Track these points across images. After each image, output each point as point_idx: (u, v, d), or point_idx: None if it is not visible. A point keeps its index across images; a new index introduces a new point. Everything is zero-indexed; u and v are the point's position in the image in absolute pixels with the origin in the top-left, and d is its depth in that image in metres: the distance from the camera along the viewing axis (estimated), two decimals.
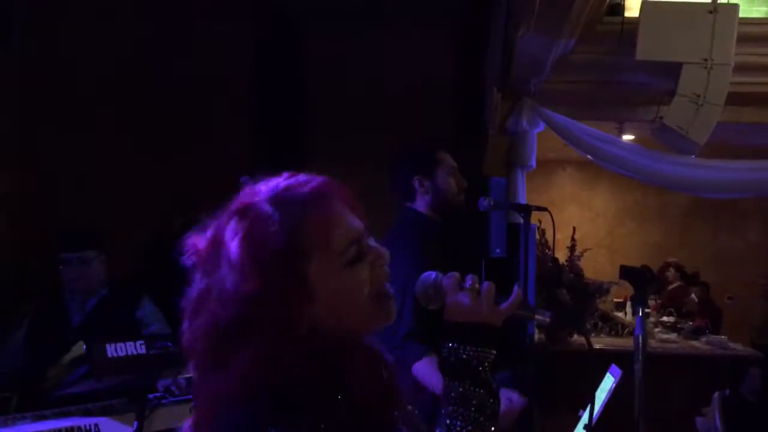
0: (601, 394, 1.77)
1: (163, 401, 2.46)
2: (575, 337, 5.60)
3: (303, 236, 0.94)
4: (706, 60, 4.44)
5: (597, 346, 5.38)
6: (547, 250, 5.20)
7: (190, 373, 1.02)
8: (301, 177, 1.01)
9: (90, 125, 5.04)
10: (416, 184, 2.58)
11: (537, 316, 1.11)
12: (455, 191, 2.64)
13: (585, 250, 5.87)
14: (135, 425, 2.30)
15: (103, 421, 2.33)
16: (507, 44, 4.68)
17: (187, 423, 0.98)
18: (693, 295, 7.43)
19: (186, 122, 5.12)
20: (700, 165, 4.71)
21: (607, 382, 1.80)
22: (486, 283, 1.08)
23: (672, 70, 4.55)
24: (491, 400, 1.01)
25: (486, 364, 1.03)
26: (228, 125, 5.12)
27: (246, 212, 0.96)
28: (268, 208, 0.96)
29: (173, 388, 2.55)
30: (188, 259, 0.99)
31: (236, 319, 0.91)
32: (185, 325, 0.97)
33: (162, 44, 5.16)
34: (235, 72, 5.18)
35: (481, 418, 0.99)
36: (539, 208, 2.48)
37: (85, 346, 2.20)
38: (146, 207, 4.90)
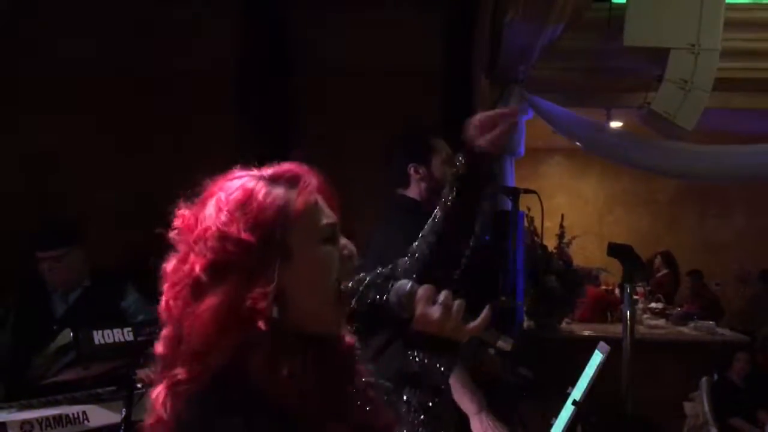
0: (590, 370, 1.77)
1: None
2: (564, 324, 5.62)
3: (286, 204, 1.00)
4: (693, 45, 4.44)
5: (585, 333, 5.40)
6: (535, 237, 5.20)
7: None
8: (297, 165, 1.07)
9: (73, 113, 4.99)
10: (411, 171, 2.56)
11: (499, 342, 1.11)
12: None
13: (573, 238, 5.88)
14: (123, 413, 2.28)
15: (91, 409, 2.31)
16: (495, 30, 4.66)
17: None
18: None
19: (168, 112, 5.06)
20: (688, 151, 4.72)
21: (596, 359, 1.81)
22: (457, 302, 1.11)
23: (660, 56, 4.55)
24: (449, 412, 1.05)
25: (446, 376, 1.07)
26: (211, 114, 5.07)
27: (231, 182, 1.02)
28: (263, 180, 1.02)
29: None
30: (174, 232, 1.02)
31: (214, 263, 0.95)
32: (165, 289, 0.99)
33: (142, 29, 5.11)
34: (217, 59, 5.12)
35: (435, 423, 1.04)
36: (528, 191, 2.48)
37: (72, 334, 2.18)
38: (129, 195, 4.86)
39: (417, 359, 1.06)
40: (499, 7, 4.47)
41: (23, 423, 2.14)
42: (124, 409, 2.28)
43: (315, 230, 1.02)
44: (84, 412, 2.30)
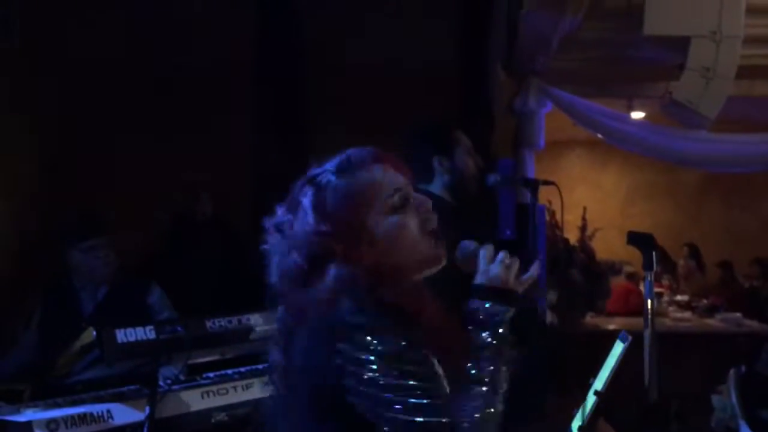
0: (611, 360, 1.75)
1: (174, 387, 2.46)
2: (588, 318, 5.57)
3: (358, 192, 1.21)
4: (714, 33, 4.37)
5: (610, 327, 5.35)
6: (557, 231, 5.16)
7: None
8: (355, 149, 1.27)
9: (94, 111, 5.04)
10: (436, 163, 2.54)
11: (549, 294, 1.28)
12: (473, 171, 2.60)
13: (596, 230, 5.82)
14: (147, 411, 2.30)
15: (116, 407, 2.33)
16: (511, 22, 4.63)
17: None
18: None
19: (189, 107, 5.10)
20: (712, 140, 4.66)
21: (617, 348, 1.79)
22: (514, 259, 1.31)
23: (680, 45, 4.48)
24: (508, 349, 1.24)
25: (505, 320, 1.26)
26: (230, 111, 5.10)
27: (313, 180, 1.24)
28: (330, 175, 1.23)
29: (180, 376, 2.54)
30: (268, 224, 1.23)
31: (312, 255, 1.16)
32: (271, 270, 1.21)
33: (163, 28, 5.15)
34: (237, 57, 5.16)
35: (501, 362, 1.22)
36: (547, 182, 2.46)
37: (95, 333, 2.20)
38: (151, 192, 4.90)
39: (481, 307, 1.25)
40: None
41: (49, 422, 2.16)
42: (147, 407, 2.30)
43: (383, 205, 1.22)
44: (108, 411, 2.30)
